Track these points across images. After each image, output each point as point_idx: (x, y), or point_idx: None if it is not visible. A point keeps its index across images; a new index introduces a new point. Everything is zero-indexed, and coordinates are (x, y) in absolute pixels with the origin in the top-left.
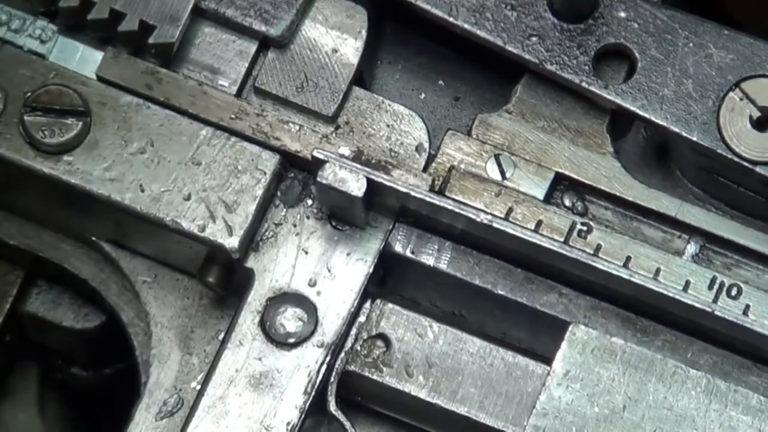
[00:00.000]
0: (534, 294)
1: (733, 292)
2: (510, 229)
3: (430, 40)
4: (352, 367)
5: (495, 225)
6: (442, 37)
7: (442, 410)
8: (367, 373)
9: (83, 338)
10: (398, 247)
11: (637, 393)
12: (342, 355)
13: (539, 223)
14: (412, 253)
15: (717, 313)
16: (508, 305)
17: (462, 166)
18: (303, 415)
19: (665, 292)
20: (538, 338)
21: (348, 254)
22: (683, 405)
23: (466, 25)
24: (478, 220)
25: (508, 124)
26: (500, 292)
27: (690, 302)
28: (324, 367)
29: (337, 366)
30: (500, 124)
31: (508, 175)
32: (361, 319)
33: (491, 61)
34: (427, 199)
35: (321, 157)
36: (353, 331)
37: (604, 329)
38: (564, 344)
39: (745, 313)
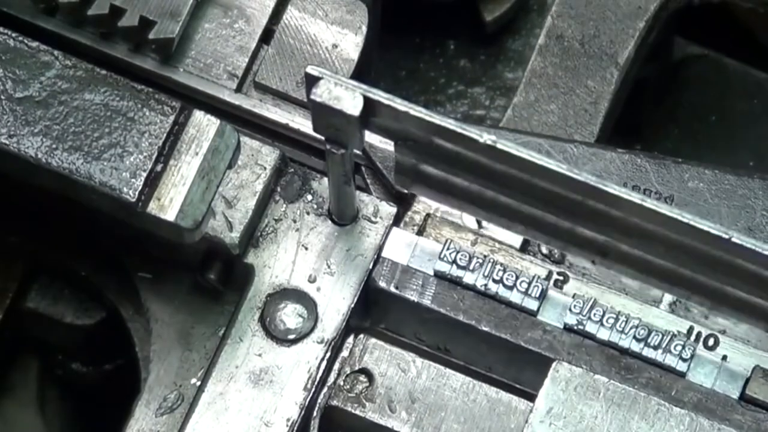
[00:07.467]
0: (518, 330)
1: (710, 342)
2: (514, 150)
3: None
4: (334, 402)
5: (499, 146)
6: None
7: None
8: (349, 408)
9: (83, 334)
10: (382, 283)
11: (620, 431)
12: (325, 390)
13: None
14: (396, 288)
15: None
16: (492, 341)
17: (438, 214)
18: (303, 412)
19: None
20: (522, 374)
21: (348, 250)
22: None
23: None
24: (482, 140)
25: None
26: (484, 329)
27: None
28: (324, 363)
29: (319, 401)
30: None
31: (484, 223)
32: (344, 353)
33: None
34: (427, 118)
35: (315, 73)
36: (336, 365)
37: (588, 366)
38: (547, 381)
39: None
